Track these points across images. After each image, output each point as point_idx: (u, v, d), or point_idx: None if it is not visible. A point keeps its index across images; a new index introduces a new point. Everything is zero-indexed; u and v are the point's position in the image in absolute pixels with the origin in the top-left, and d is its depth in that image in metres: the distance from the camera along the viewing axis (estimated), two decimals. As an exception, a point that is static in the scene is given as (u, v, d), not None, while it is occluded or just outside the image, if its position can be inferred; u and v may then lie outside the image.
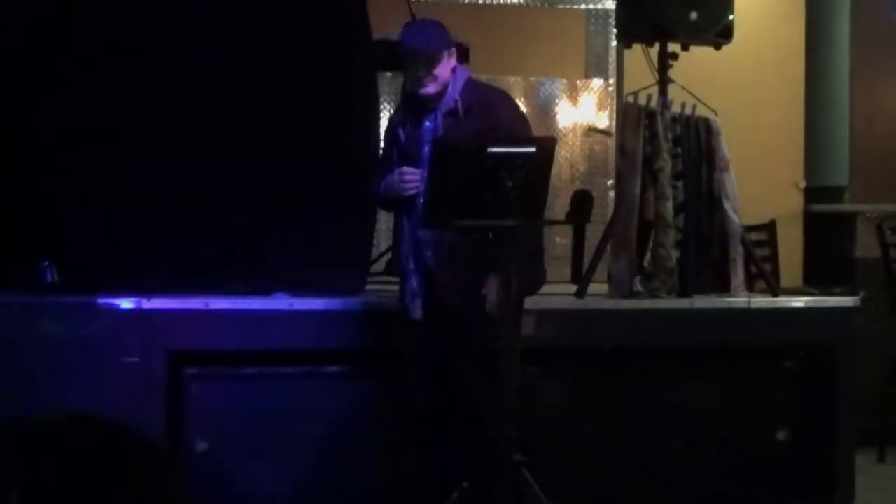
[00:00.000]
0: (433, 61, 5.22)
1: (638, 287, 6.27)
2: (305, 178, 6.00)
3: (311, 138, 6.02)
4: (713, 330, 6.25)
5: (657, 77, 6.56)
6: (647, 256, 6.33)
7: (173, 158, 6.04)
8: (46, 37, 5.99)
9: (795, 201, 8.60)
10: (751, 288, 6.77)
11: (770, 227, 7.95)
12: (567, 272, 6.97)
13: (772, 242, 7.90)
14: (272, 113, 6.05)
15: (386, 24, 6.40)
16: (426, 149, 5.21)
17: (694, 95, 6.44)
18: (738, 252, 6.43)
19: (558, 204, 7.21)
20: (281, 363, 5.74)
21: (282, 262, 5.93)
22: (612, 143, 7.77)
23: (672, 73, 6.58)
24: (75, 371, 5.44)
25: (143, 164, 6.04)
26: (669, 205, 6.25)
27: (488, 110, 5.30)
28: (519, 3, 7.92)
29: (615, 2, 7.11)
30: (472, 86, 5.35)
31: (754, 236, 7.46)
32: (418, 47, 5.25)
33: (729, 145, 6.45)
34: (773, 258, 7.83)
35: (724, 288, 6.41)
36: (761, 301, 6.42)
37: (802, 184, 8.60)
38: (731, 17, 6.60)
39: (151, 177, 6.05)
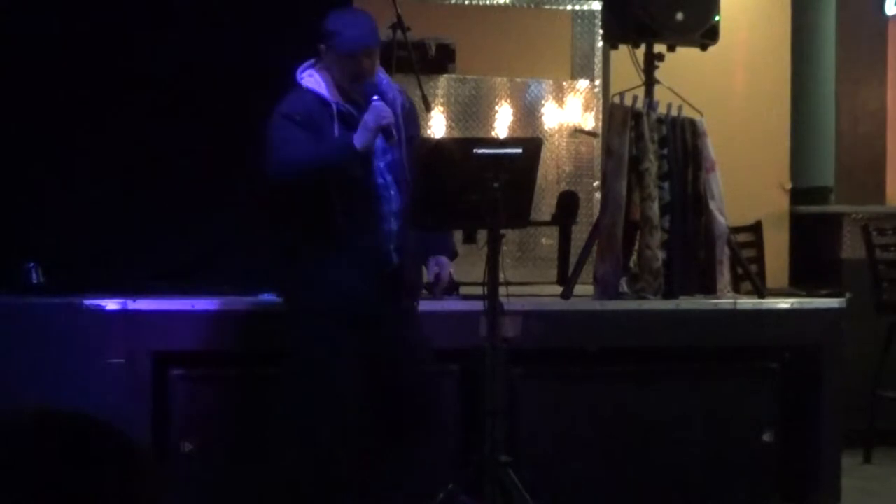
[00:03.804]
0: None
1: (624, 288, 6.28)
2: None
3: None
4: (699, 331, 6.25)
5: (643, 78, 6.56)
6: (633, 257, 6.33)
7: (159, 158, 6.04)
8: (26, 38, 5.99)
9: (781, 202, 8.59)
10: (737, 289, 6.77)
11: (756, 229, 7.95)
12: (553, 273, 6.95)
13: (758, 243, 7.90)
14: (257, 112, 6.03)
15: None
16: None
17: (680, 96, 6.45)
18: (724, 253, 6.43)
19: (544, 205, 7.20)
20: (267, 364, 5.72)
21: (268, 262, 5.91)
22: (598, 144, 7.76)
23: (658, 73, 6.58)
24: (60, 372, 5.42)
25: (128, 165, 6.03)
26: (655, 206, 6.25)
27: (414, 119, 5.28)
28: (504, 3, 7.91)
29: (601, 2, 7.11)
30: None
31: (740, 237, 7.45)
32: (376, 45, 5.08)
33: (715, 146, 6.45)
34: (759, 259, 7.83)
35: (710, 289, 6.41)
36: (747, 302, 6.42)
37: (788, 185, 8.60)
38: (716, 17, 6.60)
39: (137, 177, 6.04)
